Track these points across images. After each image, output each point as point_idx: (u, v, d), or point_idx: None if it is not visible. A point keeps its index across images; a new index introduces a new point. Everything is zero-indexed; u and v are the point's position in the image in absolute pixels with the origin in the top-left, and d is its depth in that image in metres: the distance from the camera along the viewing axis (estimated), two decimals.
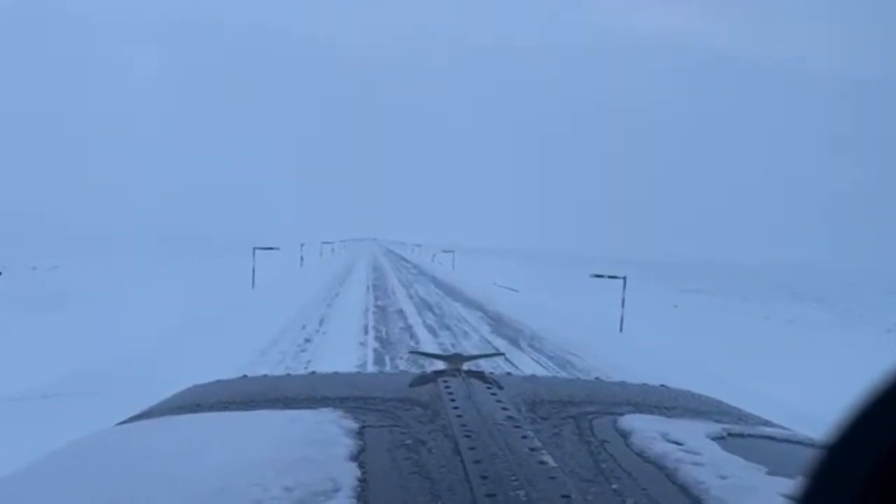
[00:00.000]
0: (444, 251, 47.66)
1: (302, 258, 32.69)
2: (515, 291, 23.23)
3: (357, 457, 1.07)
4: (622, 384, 1.84)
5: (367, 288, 21.03)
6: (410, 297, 18.78)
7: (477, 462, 1.02)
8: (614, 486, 1.00)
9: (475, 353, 2.12)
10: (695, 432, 1.24)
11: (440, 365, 1.77)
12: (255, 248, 20.99)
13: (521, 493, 0.91)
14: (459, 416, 1.25)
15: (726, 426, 1.33)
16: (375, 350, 9.84)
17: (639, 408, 1.48)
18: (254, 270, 19.91)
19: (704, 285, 36.40)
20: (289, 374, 1.93)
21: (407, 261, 47.29)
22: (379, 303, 16.55)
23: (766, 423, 1.52)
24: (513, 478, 0.95)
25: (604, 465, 1.09)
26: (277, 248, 23.80)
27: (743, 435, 1.32)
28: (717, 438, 1.24)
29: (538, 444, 1.09)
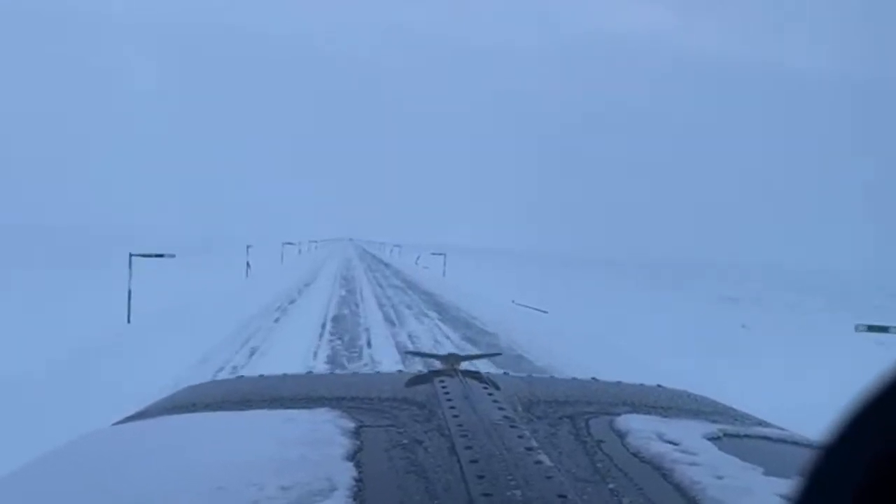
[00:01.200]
0: (435, 253, 36.88)
1: (248, 265, 24.07)
2: (545, 313, 15.87)
3: (354, 456, 1.07)
4: (618, 384, 1.84)
5: (323, 326, 12.18)
6: (398, 345, 10.50)
7: (473, 462, 1.02)
8: (610, 486, 1.00)
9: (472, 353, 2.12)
10: (691, 432, 1.24)
11: (437, 365, 1.77)
12: (131, 256, 12.88)
13: (518, 492, 0.91)
14: (456, 415, 1.25)
15: (723, 426, 1.33)
16: None
17: (635, 408, 1.48)
18: (130, 294, 12.09)
19: (732, 291, 30.86)
20: (285, 375, 1.93)
21: (387, 265, 37.03)
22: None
23: (763, 424, 1.52)
24: (509, 477, 0.95)
25: (600, 465, 1.09)
26: (172, 256, 15.11)
27: (739, 435, 1.32)
28: (714, 439, 1.24)
29: (534, 444, 1.09)
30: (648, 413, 1.42)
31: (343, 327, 12.37)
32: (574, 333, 12.74)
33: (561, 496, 0.90)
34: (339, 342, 10.76)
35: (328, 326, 12.30)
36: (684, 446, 1.14)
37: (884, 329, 8.86)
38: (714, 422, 1.39)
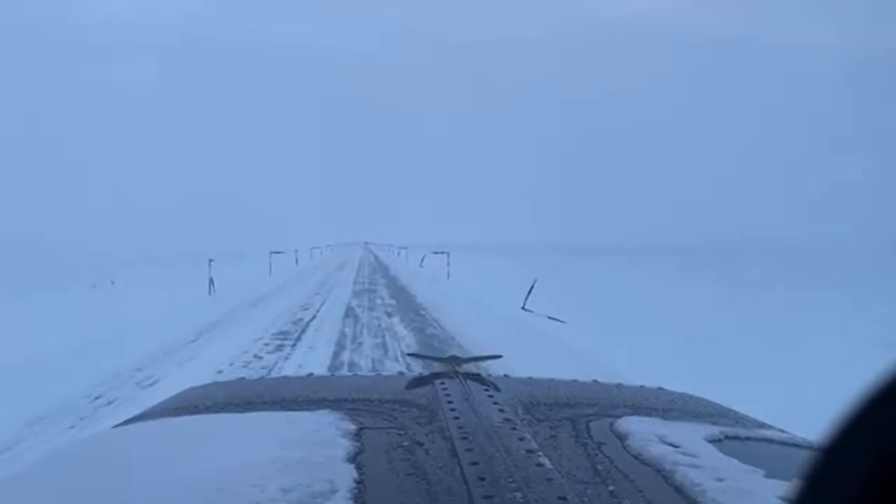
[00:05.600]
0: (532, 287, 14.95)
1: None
2: None
3: (354, 458, 1.07)
4: (619, 386, 1.84)
5: None
6: None
7: (474, 464, 1.02)
8: (611, 488, 1.00)
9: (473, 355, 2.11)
10: (692, 434, 1.24)
11: (437, 367, 1.77)
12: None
13: (518, 494, 0.91)
14: (456, 417, 1.25)
15: (723, 428, 1.33)
16: None
17: (636, 410, 1.48)
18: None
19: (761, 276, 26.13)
20: (286, 376, 1.93)
21: (433, 321, 12.44)
22: None
23: (764, 426, 1.52)
24: (510, 479, 0.96)
25: (600, 467, 1.09)
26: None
27: (740, 437, 1.32)
28: (715, 441, 1.24)
29: (535, 446, 1.10)
30: (649, 415, 1.41)
31: None
32: None
33: (561, 498, 0.91)
34: None
35: None
36: (685, 448, 1.14)
37: None
38: (715, 424, 1.39)
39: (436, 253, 31.99)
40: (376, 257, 52.17)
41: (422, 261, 36.04)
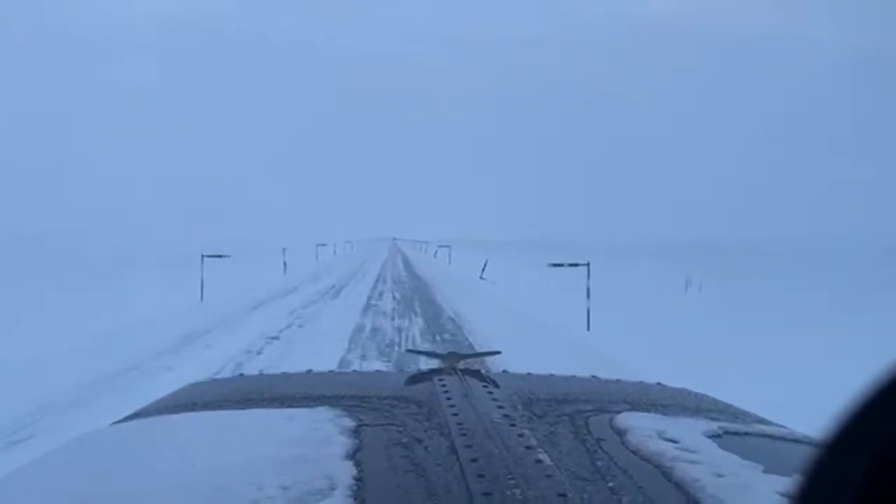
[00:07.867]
0: None
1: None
2: None
3: (353, 455, 1.07)
4: (618, 382, 1.84)
5: None
6: None
7: (473, 460, 1.02)
8: (610, 485, 1.00)
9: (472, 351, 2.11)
10: (691, 430, 1.24)
11: (436, 363, 1.77)
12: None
13: (518, 491, 0.91)
14: (455, 414, 1.25)
15: (723, 424, 1.33)
16: None
17: (635, 406, 1.47)
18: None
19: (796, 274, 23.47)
20: (285, 373, 1.93)
21: None
22: None
23: (763, 422, 1.52)
24: (509, 476, 0.95)
25: (600, 464, 1.09)
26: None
27: (739, 433, 1.32)
28: (714, 436, 1.24)
29: (534, 443, 1.09)
30: (648, 411, 1.41)
31: None
32: None
33: (560, 495, 0.90)
34: None
35: None
36: (684, 444, 1.14)
37: None
38: (714, 419, 1.39)
39: (555, 265, 15.19)
40: (405, 260, 36.69)
41: (482, 271, 24.89)
